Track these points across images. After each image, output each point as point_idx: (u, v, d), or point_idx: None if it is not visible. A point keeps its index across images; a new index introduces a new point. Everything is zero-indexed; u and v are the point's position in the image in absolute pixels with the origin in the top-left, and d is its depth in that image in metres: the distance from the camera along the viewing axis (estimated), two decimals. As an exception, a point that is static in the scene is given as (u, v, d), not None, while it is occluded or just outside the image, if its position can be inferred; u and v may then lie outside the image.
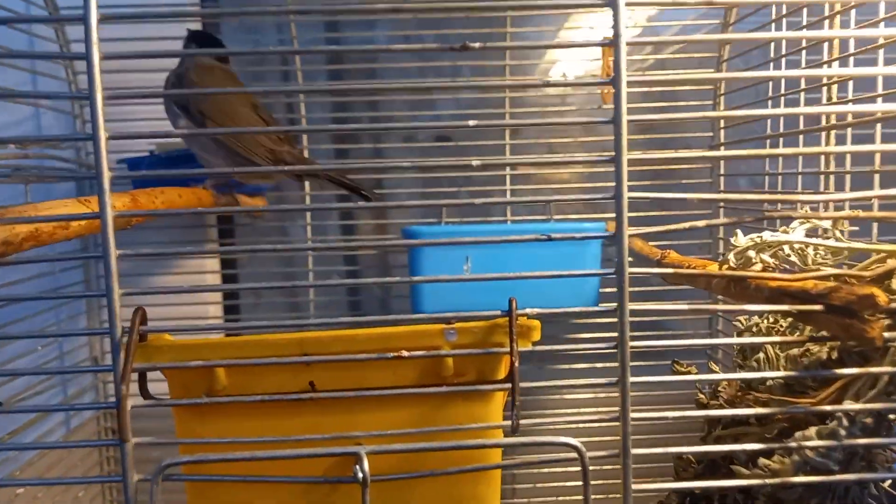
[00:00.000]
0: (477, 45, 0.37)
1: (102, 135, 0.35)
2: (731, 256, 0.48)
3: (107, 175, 0.36)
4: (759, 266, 0.47)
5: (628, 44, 0.36)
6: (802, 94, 0.65)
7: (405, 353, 0.37)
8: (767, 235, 0.47)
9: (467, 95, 1.04)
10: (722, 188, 0.94)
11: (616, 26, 0.36)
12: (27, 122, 0.89)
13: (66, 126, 0.88)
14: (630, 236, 0.37)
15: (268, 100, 0.96)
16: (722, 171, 0.94)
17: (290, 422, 0.39)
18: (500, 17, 0.94)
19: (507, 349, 0.38)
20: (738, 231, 0.49)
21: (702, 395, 0.62)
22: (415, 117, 1.02)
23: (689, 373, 0.62)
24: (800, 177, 0.76)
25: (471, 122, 0.39)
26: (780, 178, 0.81)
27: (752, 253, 0.47)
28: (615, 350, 0.37)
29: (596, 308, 0.37)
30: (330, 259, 1.04)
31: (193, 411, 0.39)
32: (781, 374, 0.46)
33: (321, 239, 1.00)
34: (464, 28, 0.93)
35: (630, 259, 0.37)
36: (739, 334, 0.58)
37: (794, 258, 0.47)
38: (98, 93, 0.35)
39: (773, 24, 0.74)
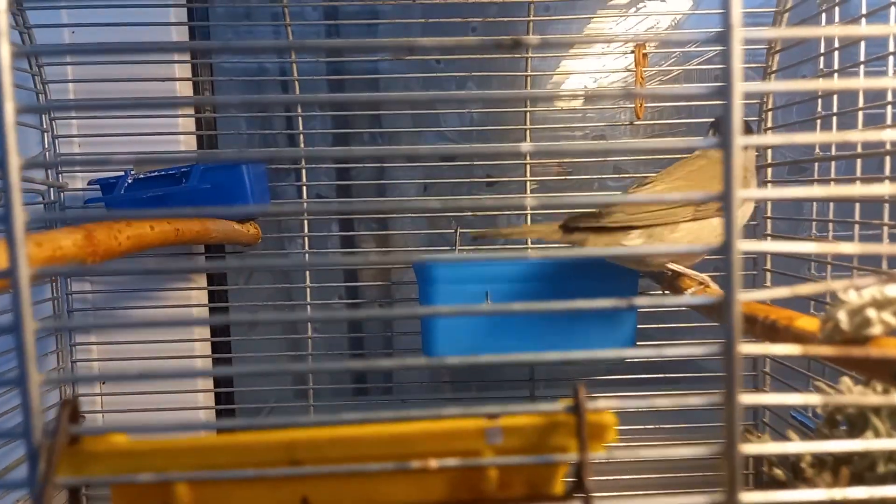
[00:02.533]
0: (534, 38, 0.27)
1: (13, 161, 0.25)
2: (841, 315, 0.38)
3: (20, 216, 0.25)
4: (879, 328, 0.37)
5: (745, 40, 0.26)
6: (889, 107, 0.55)
7: (434, 464, 0.27)
8: (890, 290, 0.37)
9: (477, 110, 0.95)
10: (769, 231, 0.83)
11: (727, 15, 0.26)
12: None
13: (36, 144, 0.78)
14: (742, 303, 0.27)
15: (266, 112, 0.88)
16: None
17: (275, 552, 0.29)
18: (522, 21, 0.85)
19: (573, 456, 0.28)
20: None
21: (778, 471, 0.51)
22: (420, 133, 0.93)
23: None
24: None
25: (543, 146, 0.29)
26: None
27: (871, 312, 0.37)
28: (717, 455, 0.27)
29: (695, 400, 0.27)
30: (330, 276, 0.94)
31: (143, 538, 0.29)
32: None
33: (323, 285, 0.90)
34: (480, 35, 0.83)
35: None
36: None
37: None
38: (7, 101, 0.25)
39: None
